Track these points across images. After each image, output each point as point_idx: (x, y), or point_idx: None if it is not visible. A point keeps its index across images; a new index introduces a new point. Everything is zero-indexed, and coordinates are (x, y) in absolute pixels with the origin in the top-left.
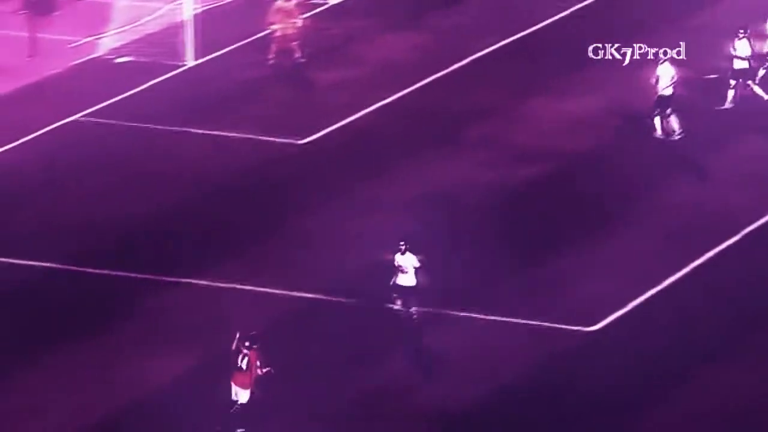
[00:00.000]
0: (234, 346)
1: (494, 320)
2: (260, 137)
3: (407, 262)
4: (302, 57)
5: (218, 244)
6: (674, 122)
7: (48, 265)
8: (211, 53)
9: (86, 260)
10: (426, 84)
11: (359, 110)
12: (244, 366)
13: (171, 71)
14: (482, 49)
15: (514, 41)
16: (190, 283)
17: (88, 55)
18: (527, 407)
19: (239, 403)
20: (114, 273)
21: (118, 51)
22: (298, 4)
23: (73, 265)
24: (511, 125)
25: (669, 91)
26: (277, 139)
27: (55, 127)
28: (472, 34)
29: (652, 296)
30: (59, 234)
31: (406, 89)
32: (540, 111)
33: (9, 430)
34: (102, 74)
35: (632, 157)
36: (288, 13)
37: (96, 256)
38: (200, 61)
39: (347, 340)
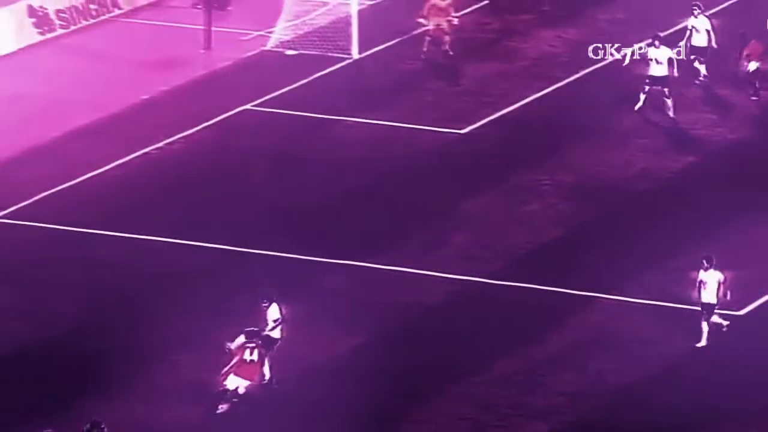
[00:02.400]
0: (236, 345)
1: (646, 304)
2: (423, 126)
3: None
4: (451, 51)
5: (384, 228)
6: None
7: (220, 247)
8: (375, 46)
9: (257, 243)
10: (581, 76)
11: (517, 101)
12: (255, 358)
13: (337, 63)
14: (636, 42)
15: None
16: (355, 265)
17: (260, 47)
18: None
19: (238, 391)
20: (284, 255)
21: (288, 44)
22: (451, 3)
23: (244, 248)
24: (664, 115)
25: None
26: (439, 129)
27: (228, 116)
28: (627, 27)
29: None
30: (231, 218)
31: (562, 81)
32: (694, 101)
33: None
34: (272, 66)
35: None
36: (441, 11)
37: (267, 238)
38: (365, 53)
39: (509, 323)
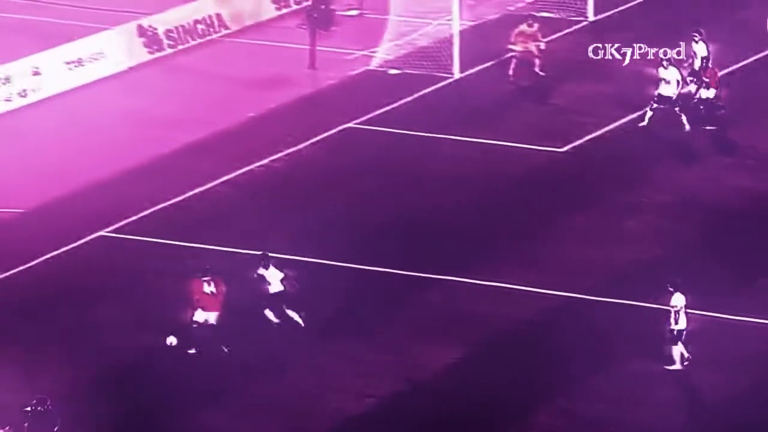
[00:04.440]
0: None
1: (744, 321)
2: (522, 145)
3: None
4: (542, 72)
5: (482, 244)
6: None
7: (321, 261)
8: (477, 66)
9: (359, 258)
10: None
11: (615, 120)
12: (214, 290)
13: (439, 82)
14: (731, 65)
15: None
16: (454, 280)
17: (363, 66)
18: None
19: (209, 323)
20: (385, 270)
21: (391, 63)
22: (539, 29)
23: (346, 263)
24: (762, 133)
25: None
26: (538, 147)
27: (331, 134)
28: (721, 49)
29: None
30: (332, 234)
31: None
32: None
33: (312, 405)
34: (375, 85)
35: None
36: (529, 36)
37: (368, 254)
38: (466, 73)
39: (605, 339)
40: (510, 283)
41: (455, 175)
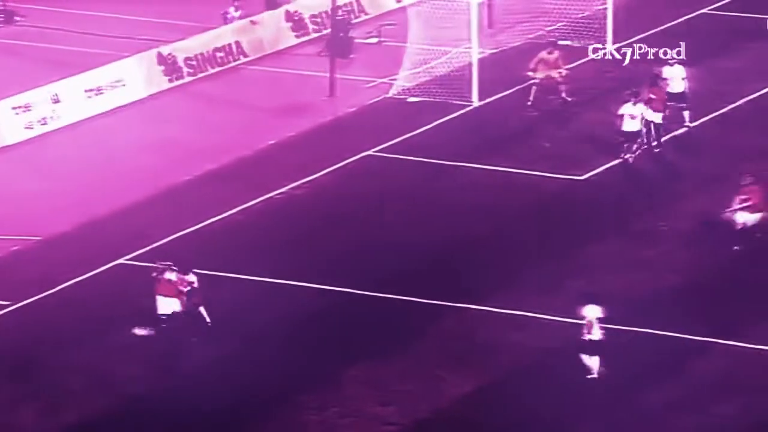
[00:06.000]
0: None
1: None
2: (542, 173)
3: None
4: (569, 98)
5: (502, 271)
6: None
7: (340, 290)
8: (496, 94)
9: (379, 286)
10: (702, 122)
11: (636, 148)
12: (173, 278)
13: (458, 110)
14: (757, 91)
15: None
16: (472, 308)
17: (383, 94)
18: None
19: (173, 312)
20: (404, 298)
21: (410, 91)
22: (559, 56)
23: (365, 291)
24: None
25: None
26: (558, 175)
27: (351, 162)
28: (746, 74)
29: None
30: (352, 262)
31: (680, 129)
32: None
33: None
34: (394, 112)
35: None
36: (550, 64)
37: (387, 282)
38: (485, 101)
39: (627, 367)
40: (530, 311)
41: (474, 203)
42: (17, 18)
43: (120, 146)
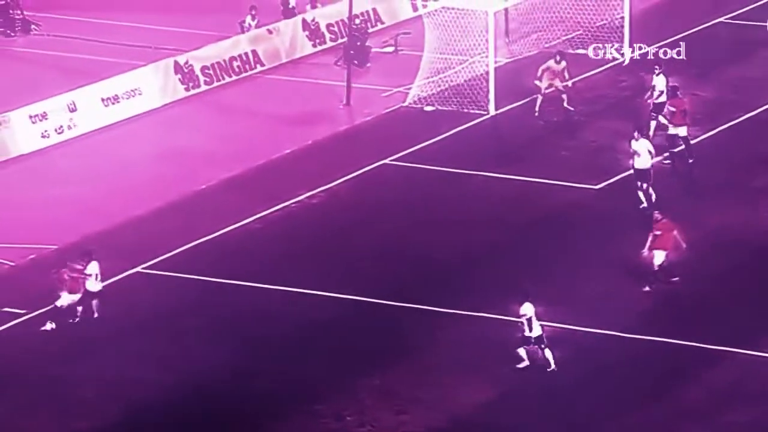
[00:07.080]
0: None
1: None
2: (557, 182)
3: None
4: (571, 108)
5: (515, 281)
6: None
7: (357, 298)
8: (512, 103)
9: (394, 294)
10: (715, 133)
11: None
12: (75, 275)
13: (474, 119)
14: None
15: None
16: (487, 317)
17: (399, 103)
18: None
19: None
20: (420, 307)
21: (426, 100)
22: (566, 67)
23: (382, 299)
24: None
25: None
26: (573, 184)
27: (367, 171)
28: (760, 84)
29: None
30: (368, 270)
31: (695, 139)
32: None
33: None
34: (411, 121)
35: None
36: (556, 73)
37: (403, 290)
38: (501, 110)
39: (641, 376)
40: (543, 320)
41: (490, 212)
42: (34, 27)
43: (136, 155)
